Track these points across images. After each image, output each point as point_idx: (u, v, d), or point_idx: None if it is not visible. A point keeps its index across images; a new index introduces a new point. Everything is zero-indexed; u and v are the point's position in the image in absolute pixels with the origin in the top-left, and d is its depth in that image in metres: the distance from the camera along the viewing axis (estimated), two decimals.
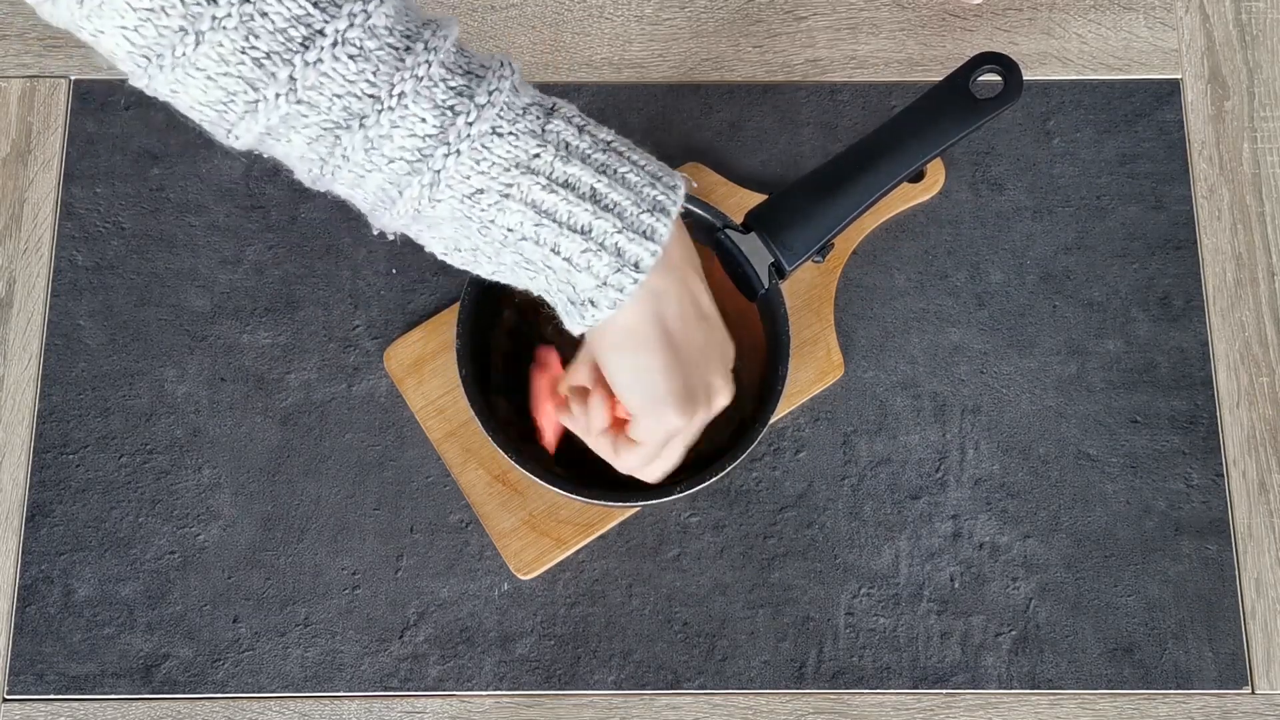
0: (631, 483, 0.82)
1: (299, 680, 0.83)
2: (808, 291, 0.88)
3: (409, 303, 0.90)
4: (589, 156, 0.55)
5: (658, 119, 0.94)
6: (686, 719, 0.83)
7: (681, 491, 0.76)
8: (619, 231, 0.55)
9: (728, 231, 0.78)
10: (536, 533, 0.84)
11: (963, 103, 0.78)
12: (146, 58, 0.51)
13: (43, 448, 0.87)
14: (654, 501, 0.78)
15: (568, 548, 0.84)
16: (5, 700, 0.83)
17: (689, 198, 0.82)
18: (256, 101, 0.51)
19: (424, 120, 0.52)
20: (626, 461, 0.65)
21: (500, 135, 0.53)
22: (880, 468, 0.87)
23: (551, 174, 0.54)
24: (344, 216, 0.92)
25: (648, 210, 0.56)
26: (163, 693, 0.83)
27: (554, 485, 0.77)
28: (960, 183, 0.93)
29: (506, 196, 0.54)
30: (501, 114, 0.54)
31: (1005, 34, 0.96)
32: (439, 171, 0.53)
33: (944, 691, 0.83)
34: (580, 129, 0.56)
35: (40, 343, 0.89)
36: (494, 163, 0.54)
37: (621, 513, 0.85)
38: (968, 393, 0.89)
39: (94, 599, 0.84)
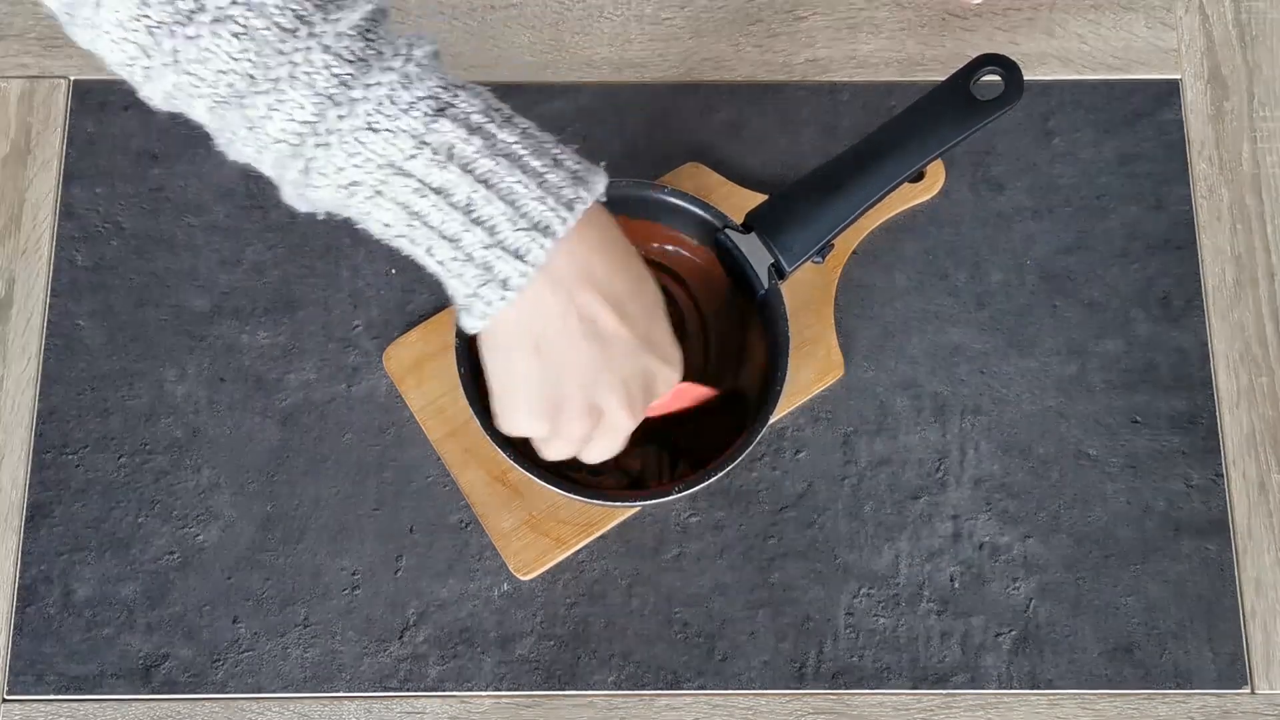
0: (631, 483, 0.82)
1: (299, 681, 0.83)
2: (808, 291, 0.88)
3: (408, 303, 0.90)
4: (472, 163, 0.53)
5: (658, 119, 0.94)
6: (686, 719, 0.83)
7: (681, 491, 0.76)
8: (487, 247, 0.53)
9: (728, 232, 0.78)
10: (536, 533, 0.84)
11: (963, 104, 0.78)
12: (67, 12, 0.52)
13: (42, 448, 0.87)
14: (654, 501, 0.78)
15: (568, 548, 0.84)
16: (5, 700, 0.83)
17: (689, 198, 0.83)
18: (149, 68, 0.52)
19: (302, 107, 0.51)
20: (499, 426, 0.64)
21: (375, 131, 0.52)
22: (880, 468, 0.87)
23: (425, 178, 0.53)
24: (343, 217, 0.91)
25: (526, 228, 0.53)
26: (162, 693, 0.83)
27: (554, 485, 0.77)
28: (960, 183, 0.93)
29: (379, 194, 0.53)
30: (381, 108, 0.51)
31: (1005, 34, 0.96)
32: (310, 160, 0.53)
33: (944, 691, 0.83)
34: (474, 130, 0.53)
35: (40, 343, 0.89)
36: (367, 158, 0.52)
37: (621, 513, 0.85)
38: (968, 393, 0.89)
39: (94, 599, 0.84)
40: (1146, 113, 0.95)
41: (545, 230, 0.54)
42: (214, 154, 0.92)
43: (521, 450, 0.80)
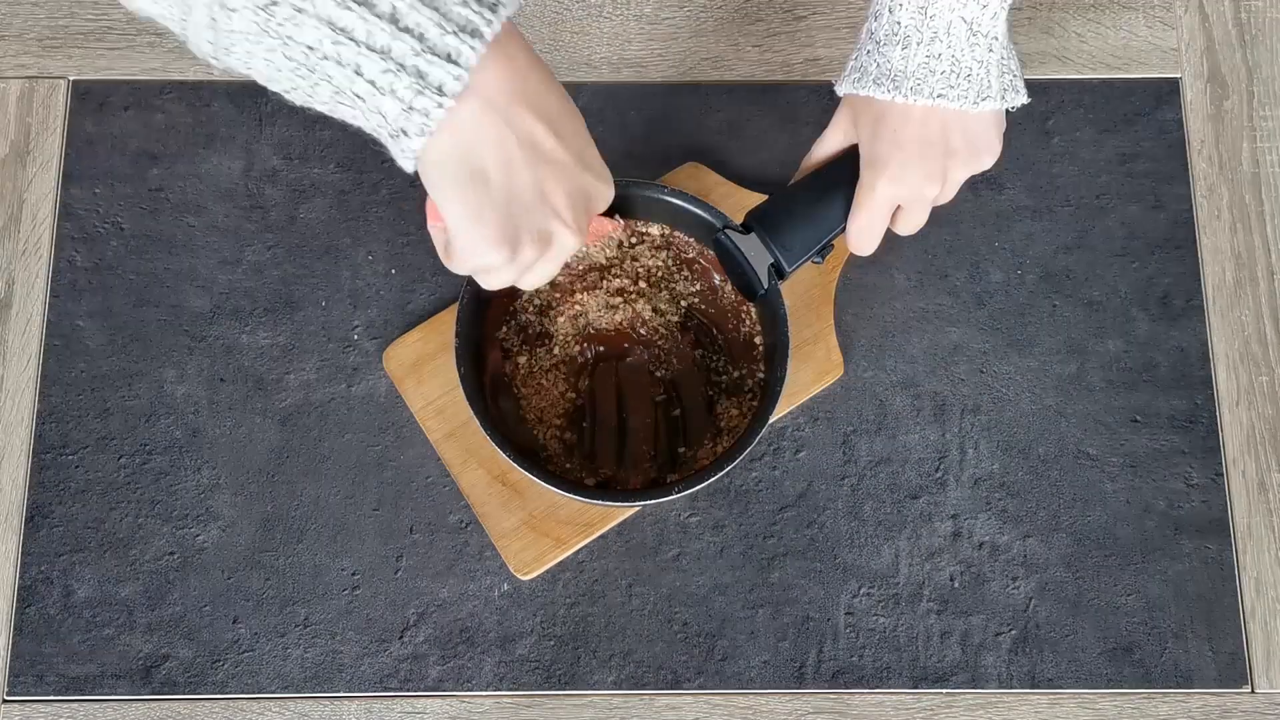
0: (632, 483, 0.82)
1: (299, 681, 0.83)
2: (807, 291, 0.88)
3: (408, 303, 0.90)
4: None
5: (657, 119, 0.94)
6: (686, 719, 0.83)
7: (681, 491, 0.76)
8: (418, 54, 0.53)
9: (728, 232, 0.78)
10: (536, 533, 0.84)
11: None
12: None
13: (42, 448, 0.87)
14: (654, 501, 0.78)
15: (568, 548, 0.84)
16: (5, 701, 0.83)
17: (689, 198, 0.83)
18: None
19: None
20: (448, 264, 0.63)
21: None
22: (880, 467, 0.87)
23: None
24: (344, 217, 0.92)
25: (454, 31, 0.53)
26: (162, 694, 0.83)
27: (554, 485, 0.77)
28: None
29: (300, 11, 0.52)
30: None
31: None
32: None
33: (944, 691, 0.83)
34: None
35: (39, 343, 0.89)
36: None
37: (621, 513, 0.85)
38: (967, 392, 0.89)
39: (94, 600, 0.84)
40: (1146, 112, 0.95)
41: (474, 33, 0.54)
42: (213, 154, 0.93)
43: (522, 450, 0.81)
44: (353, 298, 0.90)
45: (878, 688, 0.83)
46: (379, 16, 0.52)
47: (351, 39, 0.52)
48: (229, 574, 0.85)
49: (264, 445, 0.87)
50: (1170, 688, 0.84)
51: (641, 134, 0.94)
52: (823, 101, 0.94)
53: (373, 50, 0.52)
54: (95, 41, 0.95)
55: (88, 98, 0.94)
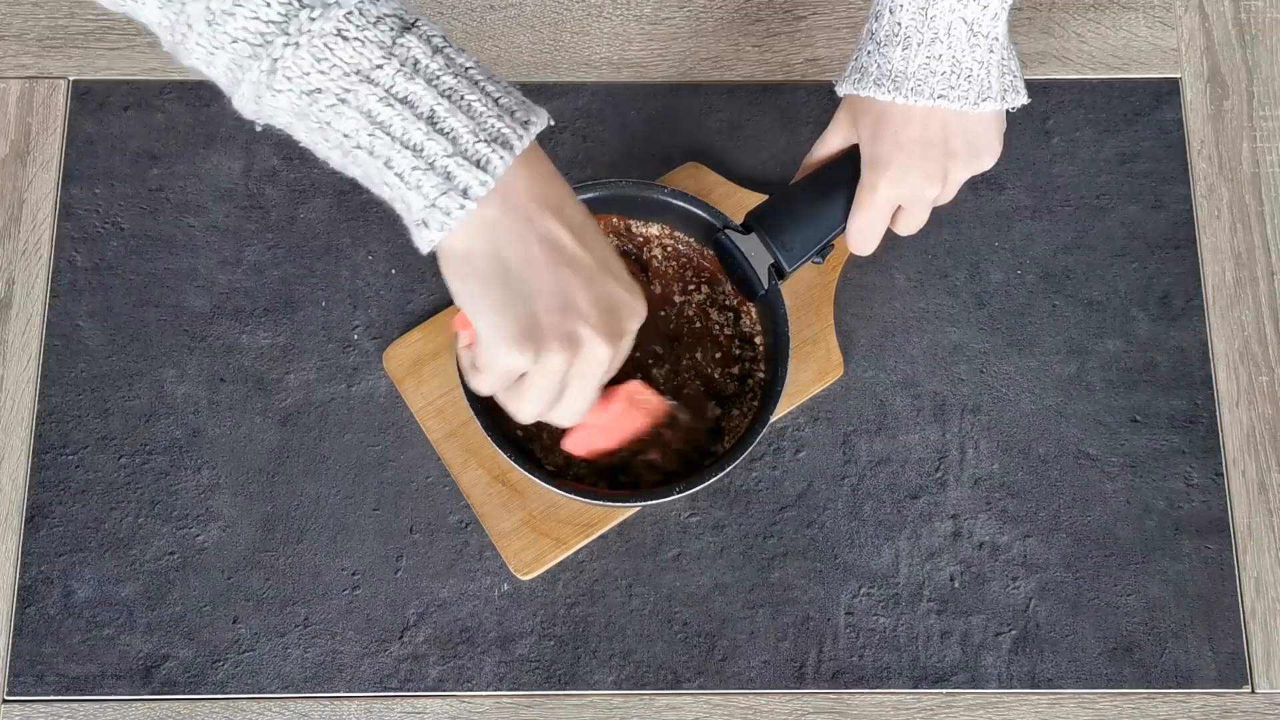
0: (632, 483, 0.82)
1: (299, 681, 0.83)
2: (807, 291, 0.88)
3: (408, 303, 0.90)
4: (436, 78, 0.55)
5: (657, 119, 0.94)
6: (686, 719, 0.83)
7: (681, 491, 0.76)
8: (450, 156, 0.55)
9: (728, 232, 0.78)
10: (536, 533, 0.84)
11: None
12: None
13: (42, 449, 0.87)
14: (654, 501, 0.78)
15: (568, 548, 0.84)
16: (5, 701, 0.83)
17: (689, 198, 0.83)
18: None
19: (269, 5, 0.52)
20: (475, 383, 0.63)
21: (345, 38, 0.53)
22: (880, 467, 0.87)
23: (391, 88, 0.54)
24: (344, 216, 0.92)
25: (486, 141, 0.55)
26: (162, 694, 0.83)
27: (554, 485, 0.77)
28: None
29: (344, 101, 0.54)
30: (350, 17, 0.53)
31: None
32: (276, 60, 0.53)
33: (944, 691, 0.83)
34: (436, 50, 0.55)
35: (39, 343, 0.89)
36: (334, 64, 0.53)
37: (621, 513, 0.85)
38: (967, 392, 0.89)
39: (94, 600, 0.84)
40: (1146, 112, 0.95)
41: (504, 144, 0.56)
42: (213, 154, 0.93)
43: (521, 450, 0.81)
44: (353, 298, 0.90)
45: (878, 688, 0.83)
46: (417, 116, 0.54)
47: (388, 133, 0.55)
48: (229, 574, 0.85)
49: (264, 445, 0.87)
50: (1170, 688, 0.84)
51: (641, 134, 0.94)
52: (823, 101, 0.94)
53: (406, 147, 0.55)
54: (95, 41, 0.95)
55: (88, 98, 0.94)
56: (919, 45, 0.70)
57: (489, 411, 0.80)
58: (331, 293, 0.90)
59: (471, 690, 0.83)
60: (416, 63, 0.54)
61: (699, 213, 0.82)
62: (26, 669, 0.83)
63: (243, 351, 0.89)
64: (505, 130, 0.56)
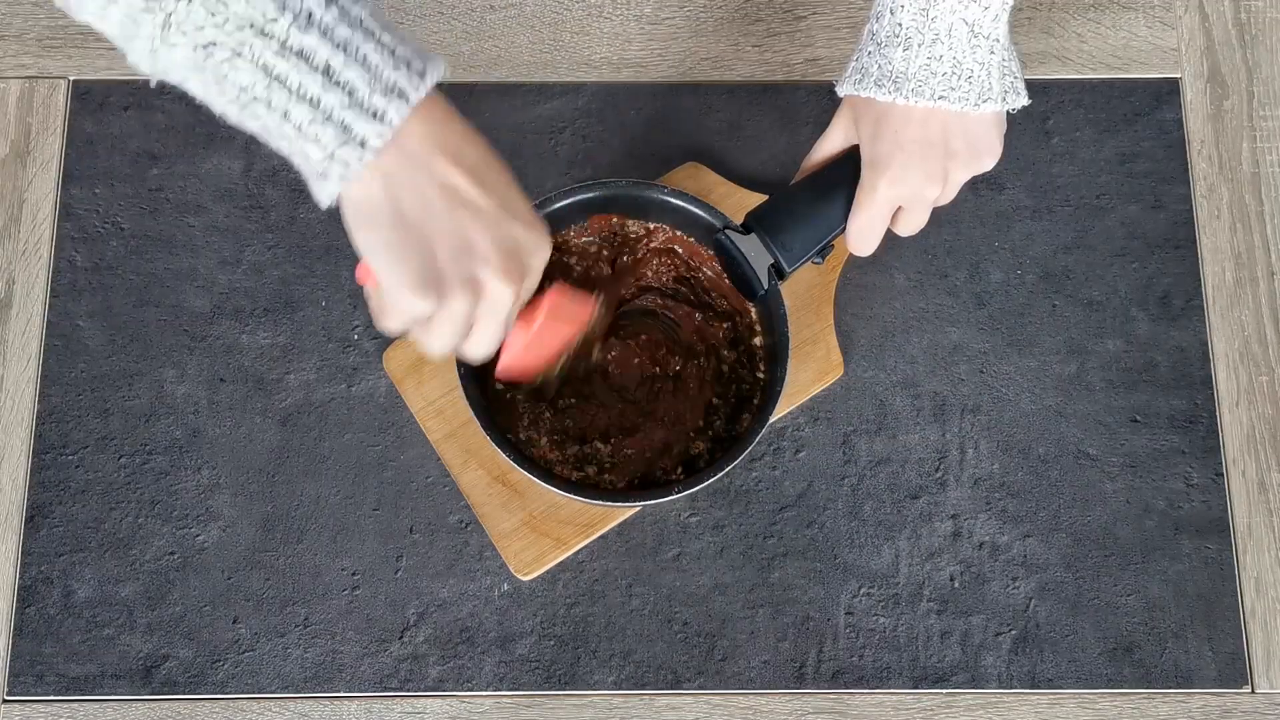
0: (631, 483, 0.82)
1: (299, 681, 0.83)
2: (807, 291, 0.88)
3: None
4: (331, 30, 0.55)
5: (657, 119, 0.94)
6: (686, 719, 0.83)
7: (681, 491, 0.76)
8: (346, 107, 0.55)
9: (728, 232, 0.78)
10: (536, 533, 0.84)
11: None
12: None
13: (42, 448, 0.87)
14: (654, 501, 0.78)
15: (568, 548, 0.84)
16: (5, 701, 0.83)
17: (689, 198, 0.83)
18: None
19: None
20: (382, 324, 0.64)
21: None
22: (880, 467, 0.87)
23: (286, 41, 0.54)
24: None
25: (382, 91, 0.56)
26: (162, 694, 0.83)
27: (554, 485, 0.77)
28: None
29: (239, 55, 0.54)
30: None
31: None
32: (170, 14, 0.53)
33: (944, 691, 0.83)
34: (330, 1, 0.55)
35: (39, 343, 0.89)
36: (227, 18, 0.53)
37: (621, 513, 0.85)
38: (967, 392, 0.89)
39: (93, 600, 0.84)
40: (1146, 112, 0.95)
41: (401, 94, 0.56)
42: (213, 154, 0.93)
43: (522, 451, 0.81)
44: (353, 298, 0.90)
45: (878, 688, 0.83)
46: (313, 69, 0.55)
47: (284, 86, 0.55)
48: (229, 574, 0.85)
49: (264, 445, 0.87)
50: (1170, 688, 0.84)
51: (641, 134, 0.94)
52: (823, 102, 0.94)
53: (303, 100, 0.55)
54: (95, 41, 0.95)
55: (88, 98, 0.94)
56: (920, 46, 0.70)
57: (489, 412, 0.80)
58: (331, 293, 0.90)
59: (471, 690, 0.83)
60: (310, 15, 0.54)
61: (699, 213, 0.83)
62: (26, 669, 0.83)
63: (243, 351, 0.89)
64: (401, 81, 0.56)
